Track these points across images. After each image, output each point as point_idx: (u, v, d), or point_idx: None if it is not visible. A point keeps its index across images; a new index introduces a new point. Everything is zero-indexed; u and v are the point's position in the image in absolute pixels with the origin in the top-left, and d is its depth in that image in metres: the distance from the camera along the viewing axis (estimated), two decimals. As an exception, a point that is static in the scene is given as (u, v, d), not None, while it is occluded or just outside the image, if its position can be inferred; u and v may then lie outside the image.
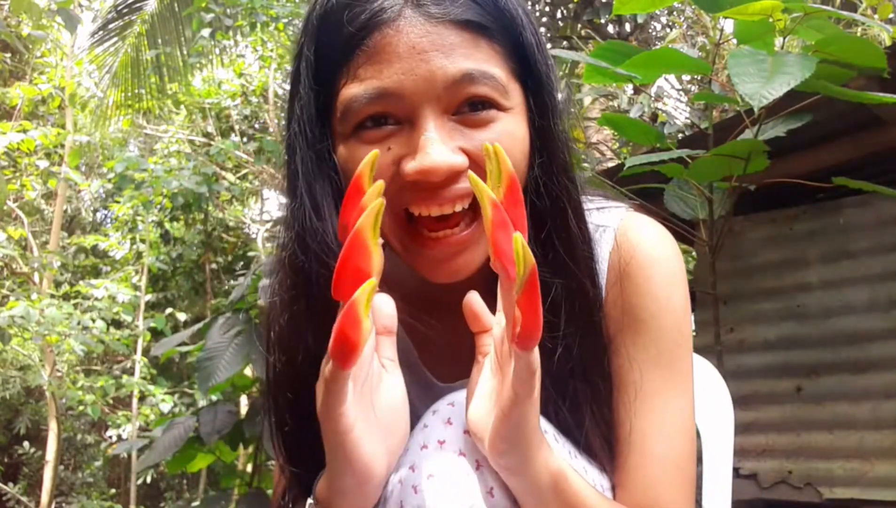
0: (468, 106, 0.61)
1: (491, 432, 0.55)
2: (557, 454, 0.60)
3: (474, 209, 0.62)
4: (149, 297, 6.70)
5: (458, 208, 0.61)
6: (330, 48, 0.61)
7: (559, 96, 0.67)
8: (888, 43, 2.69)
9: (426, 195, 0.60)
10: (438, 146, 0.58)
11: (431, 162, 0.58)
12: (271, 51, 6.58)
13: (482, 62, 0.60)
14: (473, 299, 0.59)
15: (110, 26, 5.63)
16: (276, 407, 0.70)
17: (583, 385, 0.68)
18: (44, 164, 5.87)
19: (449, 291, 0.65)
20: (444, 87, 0.59)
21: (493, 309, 0.60)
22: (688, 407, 0.71)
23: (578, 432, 0.67)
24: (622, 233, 0.73)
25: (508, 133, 0.61)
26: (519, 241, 0.49)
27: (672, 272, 0.71)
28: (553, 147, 0.66)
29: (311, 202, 0.63)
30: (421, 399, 0.66)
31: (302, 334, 0.65)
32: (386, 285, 0.57)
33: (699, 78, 3.62)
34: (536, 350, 0.52)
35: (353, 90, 0.60)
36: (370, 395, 0.56)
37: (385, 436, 0.57)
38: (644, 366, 0.70)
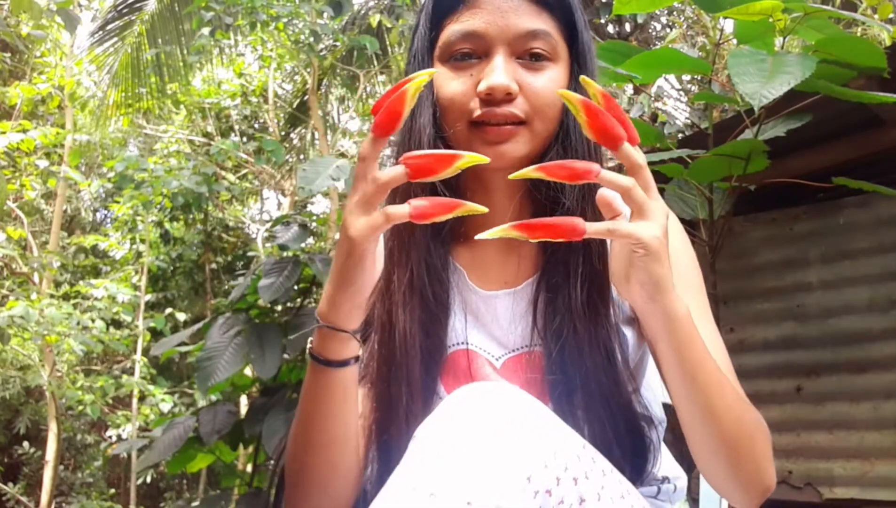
0: (530, 56, 0.87)
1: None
2: None
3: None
4: (148, 297, 6.70)
5: (508, 125, 0.85)
6: (444, 2, 0.91)
7: (594, 60, 0.94)
8: (888, 43, 2.68)
9: (489, 111, 0.85)
10: (501, 72, 0.84)
11: (496, 80, 0.84)
12: (271, 50, 6.58)
13: (541, 25, 0.87)
14: (605, 192, 0.77)
15: (110, 26, 5.63)
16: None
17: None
18: (43, 163, 5.85)
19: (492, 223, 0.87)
20: (514, 36, 0.86)
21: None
22: (716, 328, 0.91)
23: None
24: None
25: (553, 78, 0.88)
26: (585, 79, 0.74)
27: (680, 225, 0.95)
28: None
29: (416, 111, 0.88)
30: (468, 304, 0.92)
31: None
32: (461, 233, 0.91)
33: (699, 78, 3.62)
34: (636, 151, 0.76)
35: (454, 27, 0.88)
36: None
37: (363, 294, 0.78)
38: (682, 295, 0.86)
